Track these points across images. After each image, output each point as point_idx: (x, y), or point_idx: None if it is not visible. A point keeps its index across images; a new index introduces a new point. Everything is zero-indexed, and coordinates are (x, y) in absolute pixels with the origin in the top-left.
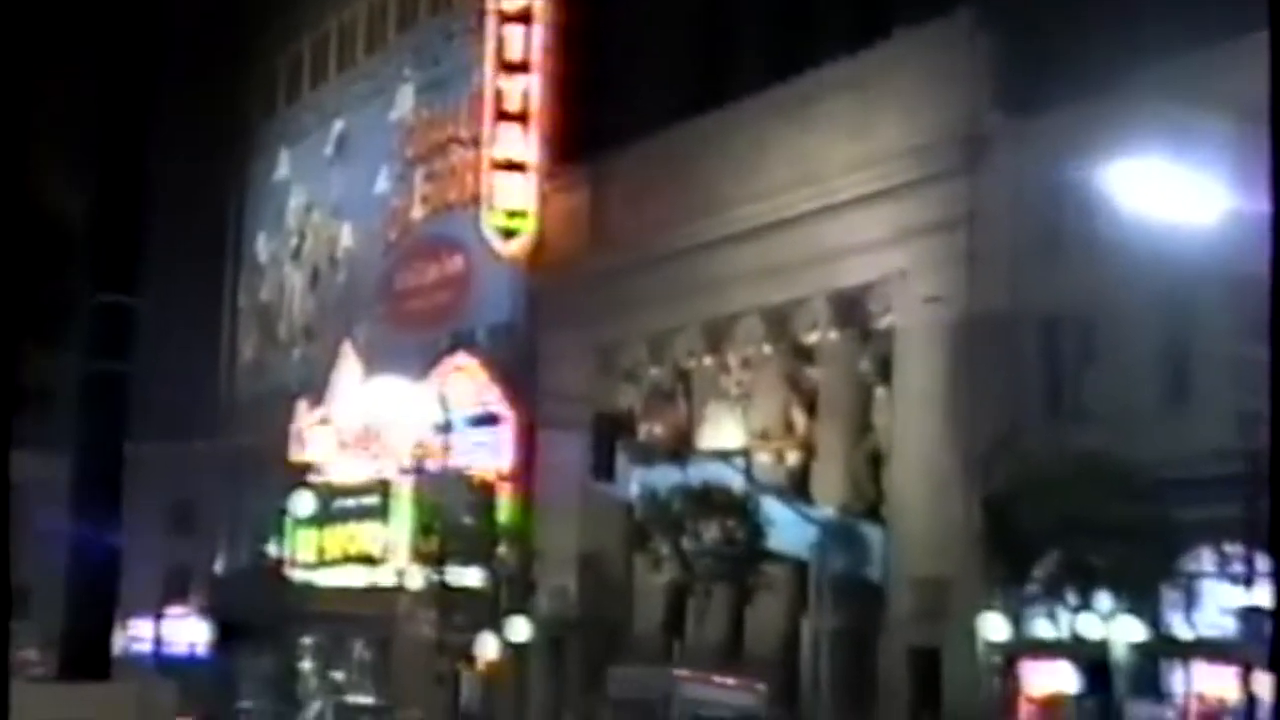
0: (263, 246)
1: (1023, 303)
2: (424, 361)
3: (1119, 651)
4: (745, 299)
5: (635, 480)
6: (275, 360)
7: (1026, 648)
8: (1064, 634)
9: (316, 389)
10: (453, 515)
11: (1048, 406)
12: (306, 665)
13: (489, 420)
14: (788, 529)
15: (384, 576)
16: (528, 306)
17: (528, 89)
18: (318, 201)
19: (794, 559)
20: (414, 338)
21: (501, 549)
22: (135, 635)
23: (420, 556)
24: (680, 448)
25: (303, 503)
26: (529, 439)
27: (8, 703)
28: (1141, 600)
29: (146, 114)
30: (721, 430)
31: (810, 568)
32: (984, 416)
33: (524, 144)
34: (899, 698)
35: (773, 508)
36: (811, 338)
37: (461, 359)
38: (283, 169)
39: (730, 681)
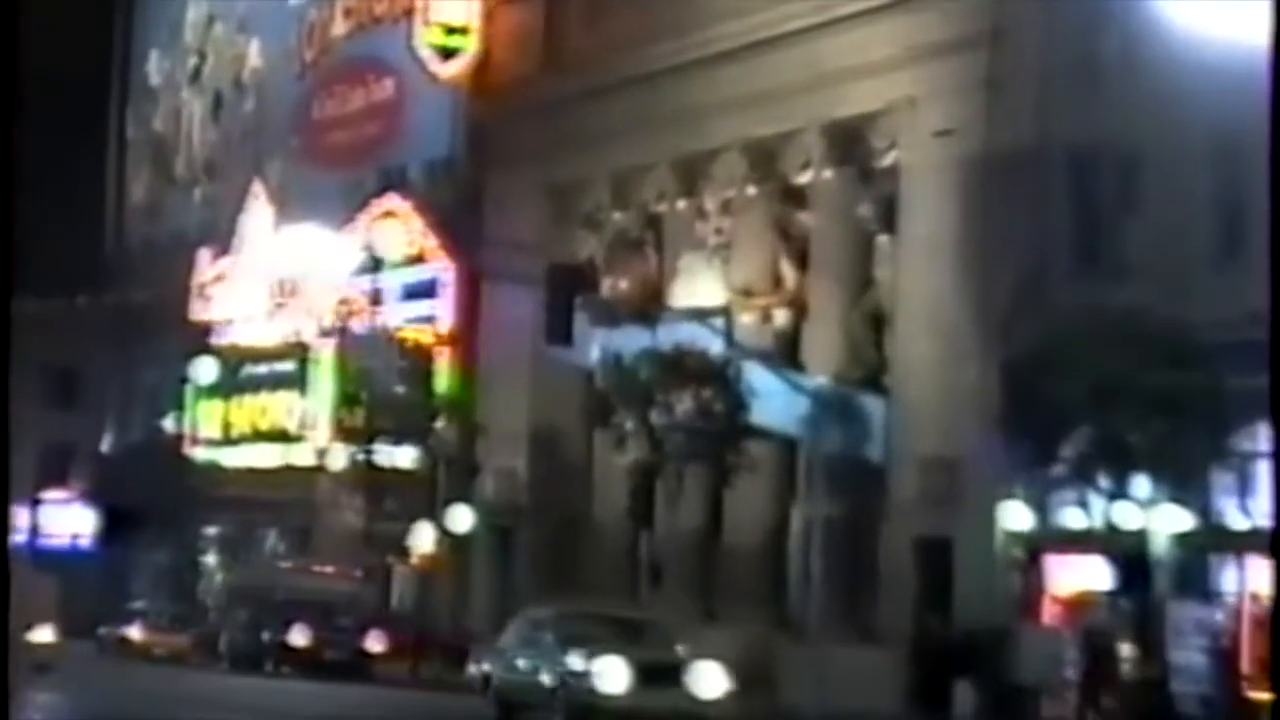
0: (155, 67)
1: (1052, 137)
2: (348, 204)
3: (1160, 544)
4: (726, 132)
5: (596, 344)
6: (172, 201)
7: (1052, 539)
8: (1096, 523)
9: (221, 236)
10: (382, 384)
11: (1079, 258)
12: (210, 559)
13: (424, 273)
14: (774, 401)
15: (301, 455)
16: (469, 140)
17: None
18: (221, 14)
19: (781, 435)
20: (336, 176)
21: (439, 424)
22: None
23: (344, 432)
24: (649, 306)
25: (205, 369)
26: (472, 295)
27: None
28: (1187, 484)
29: None
30: (697, 285)
31: (800, 445)
32: (1004, 269)
33: None
34: (903, 595)
35: (757, 376)
36: (803, 177)
37: (392, 201)
38: None
39: (329, 570)
